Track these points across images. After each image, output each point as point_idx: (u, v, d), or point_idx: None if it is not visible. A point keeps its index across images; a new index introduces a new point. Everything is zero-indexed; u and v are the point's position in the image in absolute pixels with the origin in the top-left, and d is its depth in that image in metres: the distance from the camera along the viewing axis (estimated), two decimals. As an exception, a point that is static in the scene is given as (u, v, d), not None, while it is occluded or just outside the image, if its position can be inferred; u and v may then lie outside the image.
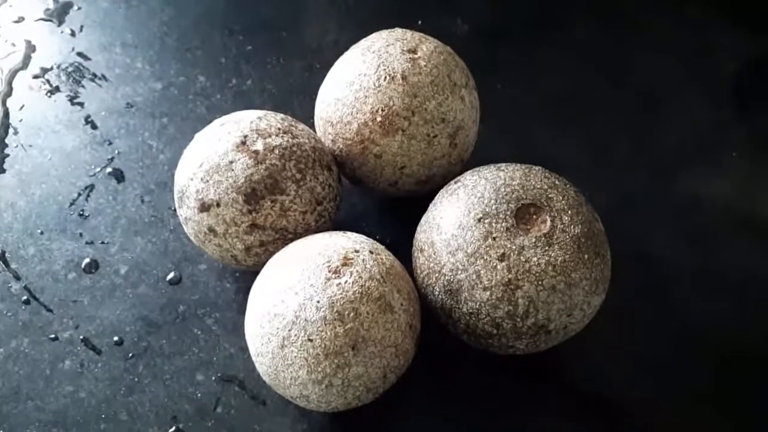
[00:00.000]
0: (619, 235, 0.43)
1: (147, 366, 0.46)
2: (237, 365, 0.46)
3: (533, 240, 0.38)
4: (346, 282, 0.37)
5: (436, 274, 0.40)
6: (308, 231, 0.43)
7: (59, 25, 0.62)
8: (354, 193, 0.52)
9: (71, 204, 0.52)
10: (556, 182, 0.41)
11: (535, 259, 0.38)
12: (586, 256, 0.39)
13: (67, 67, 0.59)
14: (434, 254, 0.40)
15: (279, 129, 0.43)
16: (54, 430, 0.43)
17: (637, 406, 0.45)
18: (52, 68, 0.59)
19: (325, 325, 0.36)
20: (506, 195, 0.40)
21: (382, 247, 0.42)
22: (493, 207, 0.39)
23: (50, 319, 0.47)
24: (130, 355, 0.46)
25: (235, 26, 0.62)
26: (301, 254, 0.39)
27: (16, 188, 0.53)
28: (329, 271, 0.38)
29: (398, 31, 0.47)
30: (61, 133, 0.55)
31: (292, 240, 0.42)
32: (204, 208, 0.42)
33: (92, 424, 0.43)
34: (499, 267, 0.38)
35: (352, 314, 0.37)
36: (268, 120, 0.44)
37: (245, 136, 0.42)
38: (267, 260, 0.41)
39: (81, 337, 0.47)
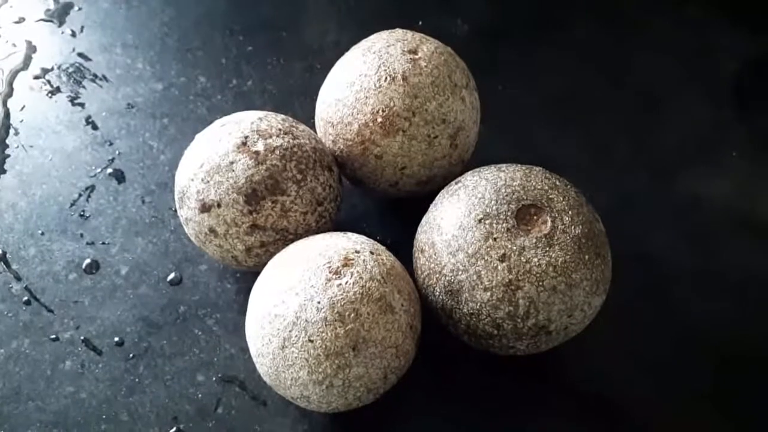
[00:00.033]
0: (619, 235, 0.43)
1: (148, 366, 0.46)
2: (238, 366, 0.46)
3: (534, 241, 0.38)
4: (346, 283, 0.37)
5: (437, 275, 0.40)
6: (309, 232, 0.43)
7: (60, 26, 0.62)
8: (354, 194, 0.52)
9: (72, 204, 0.52)
10: (557, 183, 0.41)
11: (535, 259, 0.38)
12: (586, 257, 0.39)
13: (67, 68, 0.59)
14: (435, 255, 0.41)
15: (280, 130, 0.43)
16: (55, 430, 0.43)
17: (637, 406, 0.45)
18: (52, 69, 0.59)
19: (326, 325, 0.36)
20: (507, 196, 0.40)
21: (383, 247, 0.42)
22: (494, 208, 0.40)
23: (51, 319, 0.47)
24: (131, 355, 0.46)
25: (235, 27, 0.62)
26: (302, 255, 0.39)
27: (16, 189, 0.53)
28: (330, 272, 0.38)
29: (399, 32, 0.47)
30: (61, 133, 0.55)
31: (292, 241, 0.43)
32: (205, 208, 0.42)
33: (93, 425, 0.43)
34: (499, 268, 0.38)
35: (352, 315, 0.37)
36: (269, 121, 0.44)
37: (246, 137, 0.42)
38: (268, 261, 0.42)
39: (82, 337, 0.47)
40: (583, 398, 0.45)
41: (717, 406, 0.45)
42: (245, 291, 0.44)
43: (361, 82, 0.44)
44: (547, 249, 0.38)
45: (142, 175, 0.54)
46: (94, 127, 0.56)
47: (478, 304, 0.39)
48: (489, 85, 0.52)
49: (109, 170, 0.54)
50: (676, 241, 0.52)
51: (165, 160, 0.54)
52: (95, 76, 0.59)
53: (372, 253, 0.40)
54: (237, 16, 0.63)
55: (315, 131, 0.48)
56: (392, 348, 0.38)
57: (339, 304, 0.37)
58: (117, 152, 0.55)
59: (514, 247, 0.38)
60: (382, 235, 0.50)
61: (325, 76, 0.48)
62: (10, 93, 0.57)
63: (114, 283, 0.49)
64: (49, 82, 0.58)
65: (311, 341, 0.36)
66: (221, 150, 0.42)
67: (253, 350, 0.39)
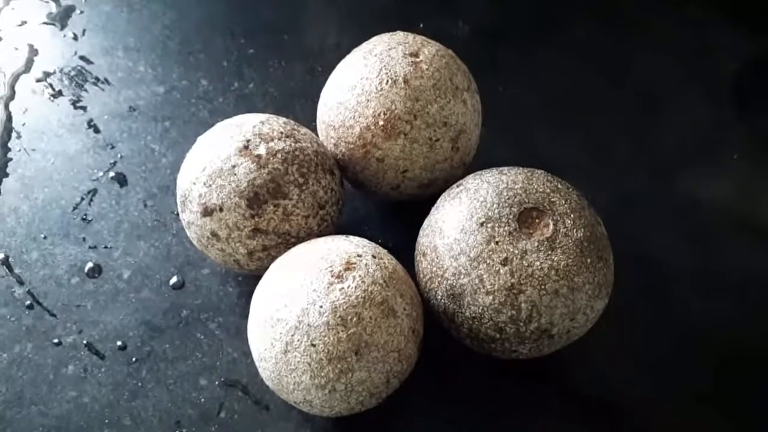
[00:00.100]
0: (619, 235, 0.43)
1: (150, 371, 0.46)
2: (240, 370, 0.46)
3: (536, 244, 0.39)
4: (348, 286, 0.37)
5: (439, 279, 0.40)
6: (311, 235, 0.43)
7: (62, 29, 0.62)
8: (356, 197, 0.52)
9: (74, 208, 0.52)
10: (559, 186, 0.41)
11: (537, 263, 0.38)
12: (588, 260, 0.39)
13: (69, 71, 0.59)
14: (437, 258, 0.41)
15: (281, 133, 0.43)
16: (58, 434, 0.44)
17: (638, 406, 0.45)
18: (54, 72, 0.59)
19: (328, 329, 0.36)
20: (509, 199, 0.40)
21: (385, 251, 0.42)
22: (496, 211, 0.40)
23: (53, 323, 0.47)
24: (134, 359, 0.46)
25: (236, 29, 0.62)
26: (304, 258, 0.39)
27: (19, 192, 0.53)
28: (332, 276, 0.38)
29: (400, 35, 0.47)
30: (63, 137, 0.56)
31: (294, 244, 0.43)
32: (207, 212, 0.42)
33: (96, 429, 0.44)
34: (501, 271, 0.38)
35: (354, 319, 0.37)
36: (271, 124, 0.44)
37: (248, 141, 0.42)
38: (270, 264, 0.42)
39: (84, 341, 0.47)
40: (583, 400, 0.46)
41: (717, 407, 0.46)
42: (247, 294, 0.44)
43: (363, 85, 0.44)
44: (550, 252, 0.38)
45: (144, 179, 0.54)
46: (96, 131, 0.56)
47: (481, 307, 0.39)
48: (489, 85, 0.52)
49: (111, 174, 0.54)
50: (676, 242, 0.52)
51: (167, 163, 0.54)
52: (97, 79, 0.59)
53: (374, 256, 0.40)
54: (238, 19, 0.63)
55: (316, 134, 0.48)
56: (395, 352, 0.38)
57: (341, 308, 0.37)
58: (119, 155, 0.55)
59: (516, 251, 0.38)
60: (383, 238, 0.50)
61: (326, 79, 0.48)
62: (12, 96, 0.57)
63: (116, 287, 0.49)
64: (51, 85, 0.58)
65: (314, 345, 0.36)
66: (223, 153, 0.42)
67: (256, 354, 0.40)
